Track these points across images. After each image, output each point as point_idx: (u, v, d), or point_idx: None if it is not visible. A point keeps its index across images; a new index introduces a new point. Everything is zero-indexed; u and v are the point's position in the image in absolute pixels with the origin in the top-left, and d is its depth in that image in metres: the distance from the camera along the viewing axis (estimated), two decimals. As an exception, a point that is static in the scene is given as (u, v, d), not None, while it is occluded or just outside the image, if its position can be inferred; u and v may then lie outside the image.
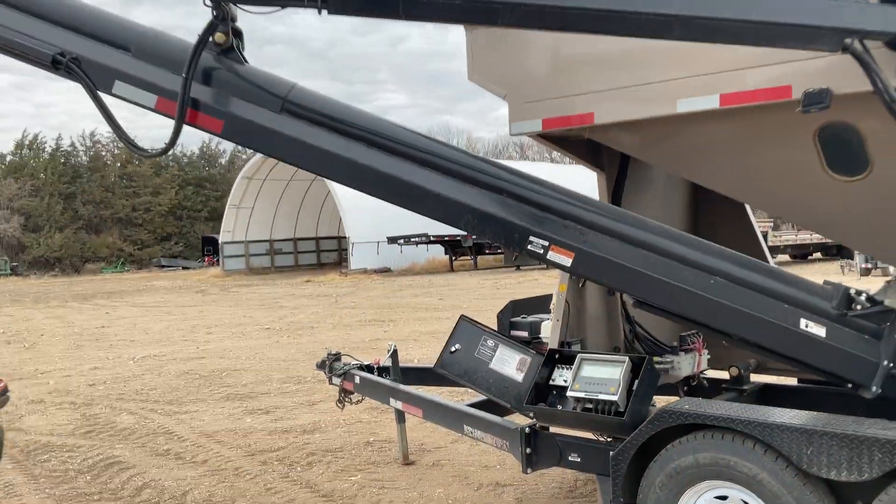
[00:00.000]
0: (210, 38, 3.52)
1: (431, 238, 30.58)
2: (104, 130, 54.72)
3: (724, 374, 5.06)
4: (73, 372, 11.41)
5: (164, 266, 48.45)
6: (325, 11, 3.31)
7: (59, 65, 3.61)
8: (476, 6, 3.08)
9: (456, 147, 3.80)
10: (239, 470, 6.16)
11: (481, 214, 3.63)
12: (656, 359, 4.61)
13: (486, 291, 21.15)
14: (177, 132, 3.62)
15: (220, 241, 39.09)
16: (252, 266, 38.80)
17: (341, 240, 38.92)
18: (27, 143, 55.73)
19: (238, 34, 3.61)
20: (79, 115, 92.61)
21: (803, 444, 3.14)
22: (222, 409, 8.40)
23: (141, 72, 3.63)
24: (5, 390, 3.07)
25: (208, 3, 3.41)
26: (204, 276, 37.51)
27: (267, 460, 6.38)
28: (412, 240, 31.02)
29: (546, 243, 3.54)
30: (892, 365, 3.11)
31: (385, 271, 32.45)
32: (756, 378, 5.17)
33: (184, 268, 46.18)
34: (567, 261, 3.54)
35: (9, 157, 55.21)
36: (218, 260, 40.38)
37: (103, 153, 55.99)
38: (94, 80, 3.64)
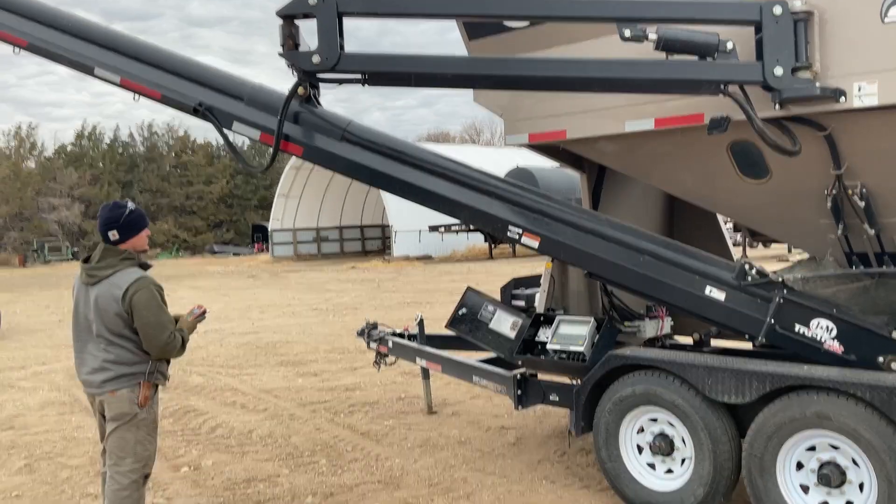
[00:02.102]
0: (295, 92, 4.82)
1: (471, 227, 31.74)
2: (160, 121, 56.95)
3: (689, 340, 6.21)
4: (145, 343, 12.90)
5: (216, 252, 50.40)
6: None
7: (198, 111, 4.97)
8: (460, 79, 4.57)
9: (459, 162, 5.00)
10: (293, 416, 7.49)
11: (475, 210, 4.86)
12: (626, 323, 5.81)
13: (520, 277, 22.24)
14: (274, 156, 4.95)
15: (269, 229, 40.78)
16: (299, 253, 40.41)
17: (385, 228, 40.23)
18: (87, 133, 58.31)
19: (315, 86, 4.88)
20: (134, 105, 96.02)
21: (706, 377, 4.30)
22: (277, 372, 9.77)
23: (251, 115, 4.94)
24: (204, 312, 4.40)
25: (301, 77, 4.71)
26: (254, 262, 39.29)
27: (316, 409, 7.70)
28: (452, 228, 32.20)
29: (520, 231, 4.75)
30: (773, 321, 4.23)
31: (426, 258, 33.73)
32: (717, 343, 6.28)
33: (235, 254, 48.03)
34: (535, 244, 4.74)
35: (69, 147, 57.79)
36: (267, 247, 42.09)
37: (159, 144, 58.21)
38: (221, 121, 4.98)
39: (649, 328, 5.79)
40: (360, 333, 7.43)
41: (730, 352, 5.83)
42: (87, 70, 5.13)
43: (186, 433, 7.04)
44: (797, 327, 4.18)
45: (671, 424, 4.56)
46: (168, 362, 4.25)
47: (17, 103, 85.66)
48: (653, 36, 3.90)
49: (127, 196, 53.40)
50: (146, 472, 4.15)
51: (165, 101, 5.05)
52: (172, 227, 53.81)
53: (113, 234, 4.06)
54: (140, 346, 4.03)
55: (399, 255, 34.08)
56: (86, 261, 4.16)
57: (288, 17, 4.61)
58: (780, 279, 4.26)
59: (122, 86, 5.09)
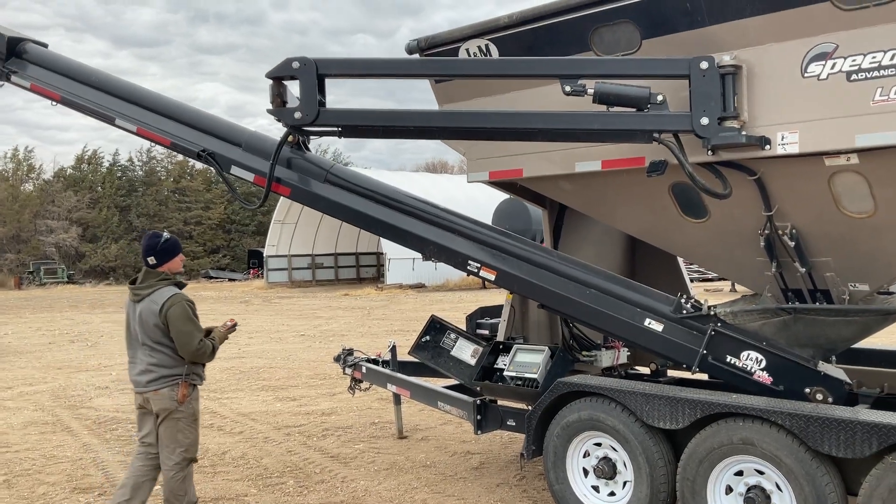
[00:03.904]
0: (286, 140, 5.29)
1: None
2: (159, 147, 57.40)
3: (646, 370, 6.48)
4: (132, 365, 13.12)
5: (212, 277, 50.60)
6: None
7: (202, 157, 5.51)
8: (421, 131, 5.11)
9: (428, 201, 5.40)
10: (268, 439, 7.71)
11: (439, 246, 5.19)
12: (584, 353, 6.08)
13: (509, 307, 22.48)
14: (265, 196, 5.50)
15: (264, 255, 41.07)
16: (294, 279, 40.64)
17: (379, 255, 40.54)
18: (87, 157, 58.82)
19: (305, 134, 5.34)
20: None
21: (643, 403, 4.56)
22: (257, 396, 9.99)
23: (247, 160, 5.45)
24: (235, 325, 5.16)
25: (289, 129, 5.21)
26: (248, 287, 39.52)
27: (290, 433, 7.93)
28: (445, 257, 32.44)
29: (479, 265, 5.06)
30: (706, 352, 4.51)
31: (419, 287, 33.98)
32: (674, 373, 6.53)
33: (230, 279, 48.25)
34: (492, 277, 5.04)
35: (69, 171, 58.27)
36: (262, 273, 42.35)
37: (158, 168, 58.68)
38: (221, 165, 5.51)
39: (605, 358, 6.06)
40: (337, 359, 7.70)
41: (684, 382, 6.11)
42: (109, 120, 5.81)
43: (163, 453, 7.25)
44: (728, 358, 4.45)
45: (614, 449, 4.80)
46: (203, 365, 4.98)
47: (22, 126, 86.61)
48: (591, 90, 4.23)
49: (124, 220, 53.88)
50: (188, 457, 4.89)
51: (174, 147, 5.66)
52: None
53: (152, 260, 4.87)
54: (177, 352, 4.78)
55: (392, 282, 34.32)
56: (132, 283, 4.97)
57: (276, 79, 5.16)
58: (713, 312, 4.54)
59: (138, 134, 5.76)
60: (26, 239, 50.92)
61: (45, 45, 6.33)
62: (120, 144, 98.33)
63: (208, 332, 4.99)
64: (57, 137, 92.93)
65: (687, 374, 6.50)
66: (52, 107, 6.12)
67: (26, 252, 50.29)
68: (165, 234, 4.96)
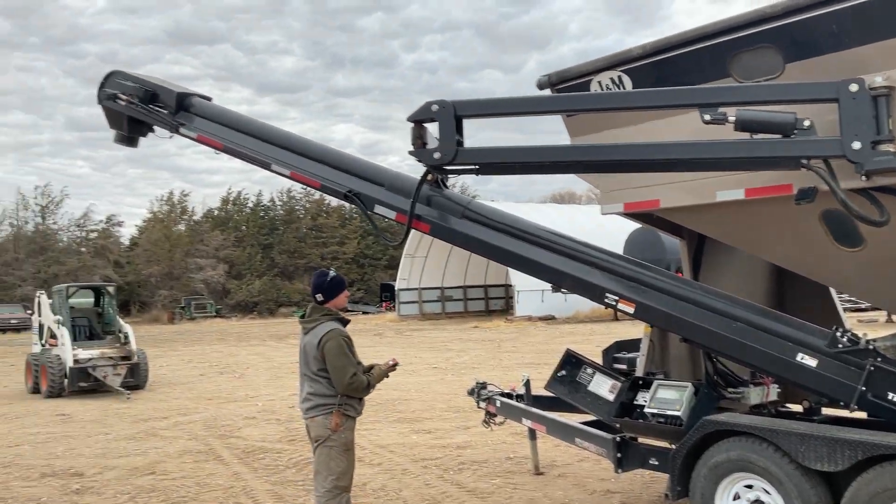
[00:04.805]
0: (425, 179, 5.47)
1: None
2: (298, 187, 60.15)
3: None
4: (275, 397, 13.73)
5: (347, 310, 52.08)
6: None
7: (348, 197, 5.76)
8: (557, 167, 5.16)
9: (563, 234, 5.36)
10: (405, 471, 7.83)
11: (576, 279, 5.14)
12: (730, 390, 5.83)
13: (643, 339, 21.89)
14: (407, 233, 5.75)
15: (396, 288, 41.99)
16: (425, 312, 41.28)
17: (508, 287, 40.53)
18: (231, 198, 62.43)
19: (444, 172, 5.50)
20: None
21: (798, 444, 4.31)
22: (394, 428, 10.17)
23: (389, 199, 5.62)
24: (396, 364, 5.40)
25: (429, 168, 5.38)
26: (381, 320, 40.47)
27: (427, 465, 8.01)
28: (575, 289, 32.02)
29: (616, 297, 4.96)
30: (865, 388, 4.22)
31: (549, 318, 33.68)
32: (829, 411, 6.14)
33: (364, 312, 49.56)
34: (630, 310, 4.93)
35: (216, 212, 61.99)
36: (394, 305, 43.26)
37: (296, 207, 61.42)
38: (366, 204, 5.73)
39: (754, 395, 5.77)
40: (470, 392, 7.72)
41: (842, 420, 5.73)
42: (266, 166, 6.17)
43: (306, 482, 7.50)
44: (890, 395, 4.15)
45: (766, 491, 4.55)
46: (360, 399, 5.18)
47: (176, 171, 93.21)
48: (732, 118, 4.11)
49: (267, 257, 56.59)
50: (340, 485, 5.05)
51: (323, 189, 5.92)
52: (307, 286, 56.14)
53: (319, 296, 5.20)
54: (332, 383, 5.00)
55: (521, 314, 34.20)
56: (302, 317, 5.31)
57: (417, 121, 5.34)
58: (872, 346, 4.25)
59: (290, 178, 6.09)
60: (178, 276, 54.38)
61: (210, 99, 6.84)
62: (263, 185, 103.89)
63: (370, 368, 5.22)
64: (206, 180, 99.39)
65: (844, 413, 6.17)
66: (202, 152, 6.60)
67: (178, 288, 53.67)
68: (332, 273, 5.27)
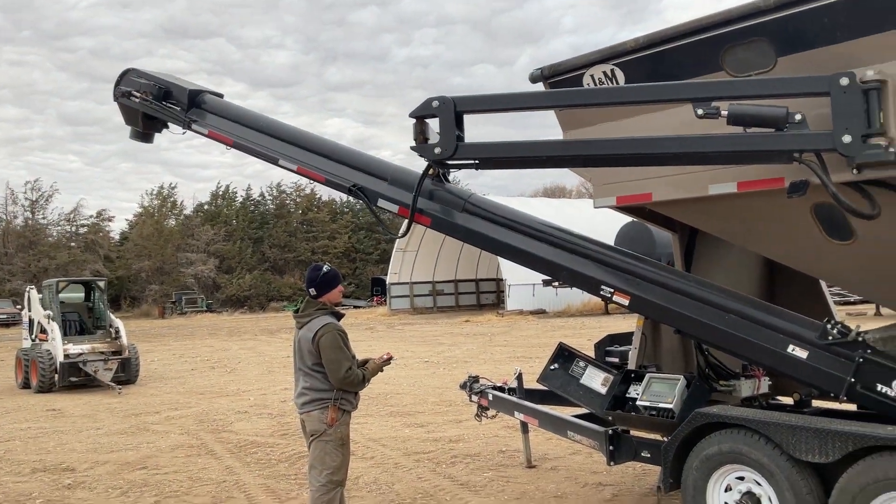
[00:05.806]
0: (427, 173, 5.52)
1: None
2: (288, 181, 60.08)
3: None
4: (267, 391, 13.71)
5: (339, 304, 52.08)
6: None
7: (352, 191, 5.82)
8: (554, 160, 5.23)
9: (560, 227, 5.41)
10: (398, 464, 7.84)
11: (572, 272, 5.17)
12: (721, 382, 5.86)
13: (634, 333, 21.97)
14: (409, 226, 5.80)
15: (387, 283, 42.00)
16: (416, 306, 41.32)
17: (499, 282, 40.61)
18: (221, 193, 62.23)
19: (445, 166, 5.53)
20: (270, 166, 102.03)
21: (789, 435, 4.33)
22: (386, 422, 10.18)
23: (392, 193, 5.69)
24: (391, 358, 5.38)
25: (430, 163, 5.43)
26: (372, 314, 40.49)
27: (419, 459, 8.02)
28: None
29: (612, 290, 4.99)
30: (854, 380, 4.25)
31: (540, 312, 33.76)
32: (819, 403, 6.18)
33: (355, 307, 49.55)
34: (625, 302, 4.95)
35: (206, 206, 61.77)
36: (385, 300, 43.28)
37: (287, 201, 61.30)
38: (369, 198, 5.78)
39: (745, 387, 5.80)
40: (462, 386, 7.74)
41: (832, 412, 5.78)
42: (273, 161, 6.27)
43: (299, 477, 7.51)
44: (879, 387, 4.18)
45: (758, 483, 4.58)
46: (355, 393, 5.18)
47: (167, 165, 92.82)
48: (724, 112, 4.12)
49: (257, 251, 56.46)
50: (334, 479, 5.03)
51: (328, 183, 5.98)
52: (298, 280, 56.17)
53: (313, 291, 5.18)
54: (328, 378, 4.97)
55: (513, 308, 34.27)
56: (295, 311, 5.29)
57: (419, 118, 5.39)
58: (862, 338, 4.28)
59: (297, 172, 6.16)
60: (169, 271, 54.23)
61: (221, 96, 6.95)
62: (252, 180, 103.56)
63: (364, 362, 5.23)
64: (198, 175, 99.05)
65: (834, 405, 6.22)
66: (193, 146, 6.65)
67: (168, 283, 53.53)
68: (325, 267, 5.24)
